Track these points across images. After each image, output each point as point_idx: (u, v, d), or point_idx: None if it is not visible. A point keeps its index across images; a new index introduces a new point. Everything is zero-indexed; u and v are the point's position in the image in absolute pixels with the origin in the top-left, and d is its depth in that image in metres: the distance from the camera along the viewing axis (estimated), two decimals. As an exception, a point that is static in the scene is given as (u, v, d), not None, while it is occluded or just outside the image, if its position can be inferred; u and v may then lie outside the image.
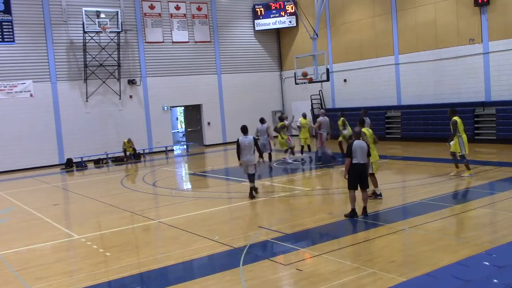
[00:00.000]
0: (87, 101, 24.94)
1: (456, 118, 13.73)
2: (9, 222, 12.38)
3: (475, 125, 20.73)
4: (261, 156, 14.69)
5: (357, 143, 10.07)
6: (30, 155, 23.28)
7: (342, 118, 19.29)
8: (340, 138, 19.40)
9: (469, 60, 21.15)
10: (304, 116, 19.94)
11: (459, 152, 13.74)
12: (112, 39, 25.06)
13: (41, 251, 9.45)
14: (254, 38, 30.35)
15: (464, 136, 13.72)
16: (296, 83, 23.53)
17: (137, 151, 25.05)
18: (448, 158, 17.13)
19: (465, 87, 21.47)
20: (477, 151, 19.02)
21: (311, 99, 28.28)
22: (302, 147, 19.64)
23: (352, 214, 9.92)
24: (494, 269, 6.19)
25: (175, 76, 27.52)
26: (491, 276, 5.91)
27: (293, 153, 19.14)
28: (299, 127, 19.97)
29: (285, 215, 11.14)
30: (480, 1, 20.14)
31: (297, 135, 20.49)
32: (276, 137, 19.61)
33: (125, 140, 24.64)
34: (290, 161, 18.90)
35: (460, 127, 13.67)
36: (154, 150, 26.75)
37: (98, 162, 24.17)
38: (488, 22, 20.26)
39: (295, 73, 23.24)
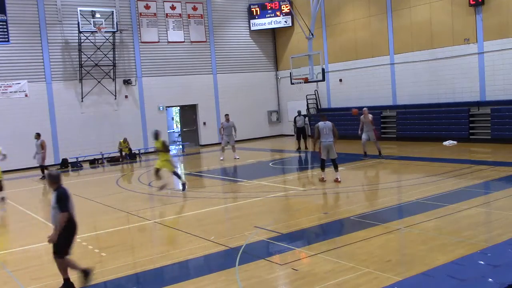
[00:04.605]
0: (82, 101, 24.88)
1: None
2: (4, 222, 12.33)
3: (470, 125, 20.80)
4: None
5: None
6: (25, 155, 23.15)
7: (162, 140, 14.84)
8: (159, 165, 14.78)
9: (464, 60, 21.21)
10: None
11: None
12: (107, 39, 25.00)
13: (36, 252, 9.42)
14: (250, 38, 30.34)
15: None
16: (292, 83, 23.55)
17: (133, 151, 25.02)
18: (444, 157, 17.23)
19: (460, 87, 21.54)
20: (472, 151, 19.12)
21: (307, 99, 28.30)
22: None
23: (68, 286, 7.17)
24: (489, 268, 6.20)
25: (170, 76, 27.49)
26: (486, 275, 5.92)
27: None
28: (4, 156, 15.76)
29: (281, 215, 11.14)
30: (474, 1, 20.21)
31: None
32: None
33: (121, 140, 24.61)
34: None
35: None
36: (150, 150, 26.71)
37: (93, 162, 24.12)
38: (483, 22, 20.33)
39: (290, 73, 23.26)
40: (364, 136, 18.17)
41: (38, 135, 19.95)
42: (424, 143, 21.37)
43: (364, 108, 18.69)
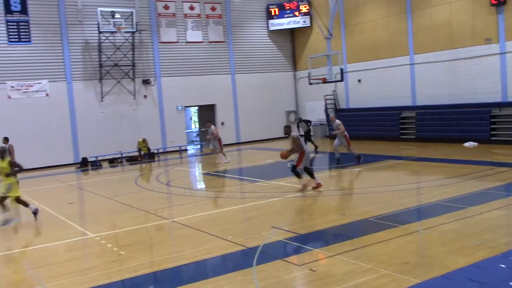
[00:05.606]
0: (102, 100, 25.15)
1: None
2: (24, 220, 12.50)
3: (492, 126, 20.51)
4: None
5: None
6: (46, 154, 23.52)
7: (8, 159, 12.06)
8: (2, 191, 11.86)
9: (485, 60, 20.92)
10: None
11: None
12: (127, 39, 25.23)
13: (56, 249, 9.53)
14: (268, 38, 30.34)
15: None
16: (310, 83, 23.49)
17: (151, 151, 25.19)
18: (465, 159, 17.00)
19: (481, 88, 21.24)
20: (493, 152, 18.84)
21: (325, 99, 28.19)
22: None
23: None
24: (510, 272, 6.12)
25: (189, 76, 27.62)
26: (507, 279, 5.84)
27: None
28: None
29: (298, 216, 11.11)
30: (496, 1, 19.92)
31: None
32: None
33: (140, 140, 24.79)
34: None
35: None
36: (168, 149, 26.88)
37: (112, 162, 24.34)
38: (504, 22, 20.03)
39: (309, 73, 23.21)
40: (336, 141, 17.61)
41: (6, 140, 18.39)
42: (444, 144, 21.13)
43: (331, 115, 18.16)
